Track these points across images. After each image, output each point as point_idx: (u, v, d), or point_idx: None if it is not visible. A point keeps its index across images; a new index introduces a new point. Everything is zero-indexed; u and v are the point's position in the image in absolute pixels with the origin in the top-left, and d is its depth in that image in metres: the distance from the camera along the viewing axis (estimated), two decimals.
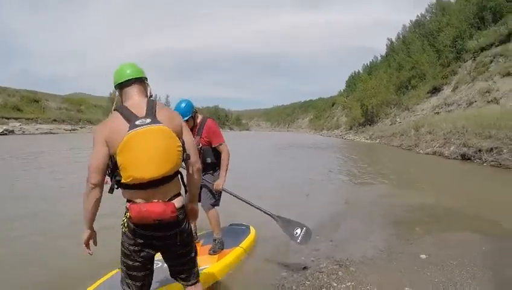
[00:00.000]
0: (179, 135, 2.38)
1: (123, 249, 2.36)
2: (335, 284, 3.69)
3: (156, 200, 2.26)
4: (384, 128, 43.32)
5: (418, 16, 66.75)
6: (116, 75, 2.53)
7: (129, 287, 2.42)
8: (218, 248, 4.32)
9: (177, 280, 2.59)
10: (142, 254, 2.33)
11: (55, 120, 61.10)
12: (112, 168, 2.28)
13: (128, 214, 2.26)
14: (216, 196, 4.38)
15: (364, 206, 7.62)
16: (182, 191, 2.49)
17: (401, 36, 71.49)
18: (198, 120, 4.42)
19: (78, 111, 75.94)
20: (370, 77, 67.46)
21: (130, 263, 2.35)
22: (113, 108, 2.48)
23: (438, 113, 35.36)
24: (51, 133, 51.20)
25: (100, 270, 3.76)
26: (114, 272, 3.67)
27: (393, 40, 75.28)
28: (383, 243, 4.99)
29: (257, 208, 4.48)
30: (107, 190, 2.33)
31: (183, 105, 4.25)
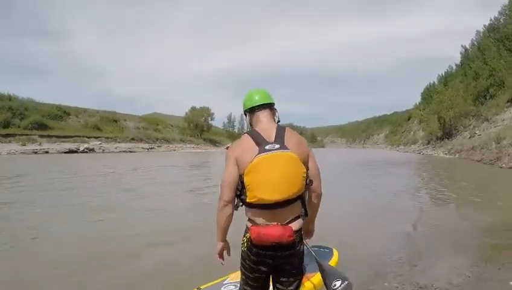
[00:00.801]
0: (305, 162, 2.47)
1: (243, 262, 2.51)
2: None
3: (275, 223, 2.35)
4: (463, 141, 41.79)
5: (491, 20, 63.50)
6: (246, 100, 2.67)
7: None
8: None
9: None
10: (258, 269, 2.47)
11: (133, 139, 64.29)
12: (240, 187, 2.40)
13: (248, 235, 2.39)
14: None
15: (446, 228, 7.27)
16: None
17: (475, 42, 68.13)
18: None
19: (155, 130, 78.74)
20: (446, 88, 65.11)
21: (250, 275, 2.52)
22: (244, 131, 2.85)
23: None
24: (130, 151, 53.11)
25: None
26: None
27: (468, 46, 72.00)
28: (469, 268, 4.71)
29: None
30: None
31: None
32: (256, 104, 2.62)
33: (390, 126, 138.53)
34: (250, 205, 2.40)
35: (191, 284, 3.94)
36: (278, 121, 2.66)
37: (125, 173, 18.92)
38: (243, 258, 2.49)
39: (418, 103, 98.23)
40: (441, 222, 7.88)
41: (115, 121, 72.02)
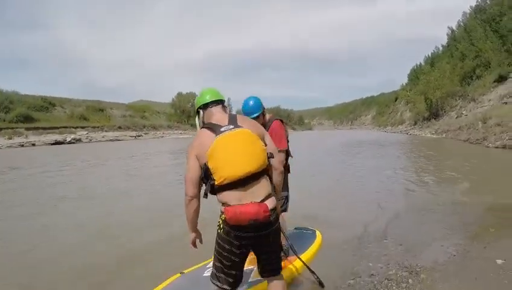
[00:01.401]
0: (262, 139, 2.67)
1: (218, 248, 2.59)
2: None
3: (249, 201, 2.44)
4: (450, 121, 42.32)
5: (478, 1, 63.88)
6: (199, 98, 2.92)
7: (220, 282, 2.66)
8: (284, 257, 3.90)
9: (263, 276, 2.83)
10: (236, 253, 2.54)
11: (120, 127, 63.74)
12: (205, 175, 2.52)
13: (223, 216, 2.47)
14: (283, 201, 4.10)
15: (434, 207, 7.26)
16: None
17: (462, 24, 68.58)
18: (266, 119, 4.24)
19: (142, 118, 78.12)
20: (433, 68, 65.54)
21: (225, 261, 2.58)
22: (199, 127, 2.85)
23: (506, 103, 34.04)
24: (117, 140, 52.84)
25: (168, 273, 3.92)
26: (174, 277, 3.82)
27: (454, 28, 72.28)
28: (455, 247, 4.70)
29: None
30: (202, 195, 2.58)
31: (251, 102, 4.10)
32: (210, 101, 2.87)
33: (377, 107, 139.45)
34: (220, 188, 2.48)
35: (175, 269, 4.01)
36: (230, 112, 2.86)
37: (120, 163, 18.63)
38: (219, 245, 2.58)
39: (404, 84, 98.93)
40: (426, 201, 7.88)
41: (101, 110, 71.02)
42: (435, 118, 52.67)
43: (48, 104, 61.86)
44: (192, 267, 4.06)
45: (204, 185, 2.59)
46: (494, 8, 53.91)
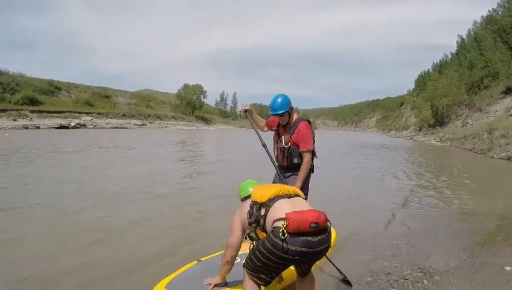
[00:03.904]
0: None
1: (267, 253, 2.61)
2: None
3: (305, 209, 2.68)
4: (455, 130, 42.02)
5: (489, 11, 63.97)
6: (240, 192, 3.49)
7: (261, 281, 2.76)
8: None
9: (300, 276, 2.99)
10: (287, 258, 2.57)
11: (124, 115, 63.41)
12: (250, 214, 2.98)
13: (285, 223, 2.52)
14: None
15: (442, 212, 7.50)
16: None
17: (472, 33, 68.44)
18: (294, 119, 4.36)
19: (147, 106, 78.10)
20: (440, 75, 65.27)
21: (271, 264, 2.64)
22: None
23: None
24: (122, 127, 52.91)
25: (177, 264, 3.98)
26: (191, 264, 3.88)
27: (464, 36, 72.13)
28: (465, 252, 4.84)
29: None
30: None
31: (279, 100, 4.25)
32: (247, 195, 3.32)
33: (383, 111, 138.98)
34: (268, 209, 2.83)
35: (193, 256, 4.16)
36: None
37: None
38: (269, 250, 2.60)
39: (411, 89, 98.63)
40: (436, 206, 8.07)
41: (107, 97, 71.16)
42: (440, 126, 52.51)
43: (53, 88, 61.83)
44: (209, 256, 4.12)
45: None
46: (506, 20, 53.72)
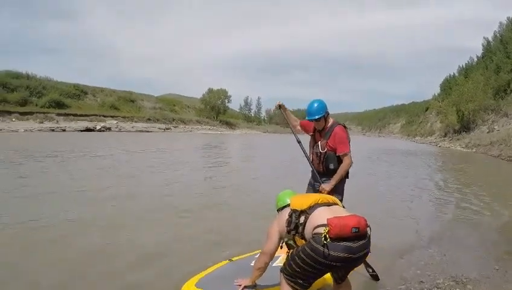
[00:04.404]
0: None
1: (306, 259, 2.68)
2: None
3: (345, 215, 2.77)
4: (481, 136, 41.23)
5: None
6: (277, 202, 3.52)
7: (298, 286, 2.83)
8: None
9: (336, 281, 3.12)
10: (329, 265, 2.66)
11: (149, 119, 64.70)
12: (289, 222, 3.03)
13: (326, 228, 2.58)
14: None
15: (475, 221, 7.45)
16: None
17: (498, 35, 66.38)
18: (329, 123, 4.38)
19: (171, 111, 79.46)
20: (466, 80, 63.99)
21: (310, 270, 2.72)
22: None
23: None
24: (146, 131, 53.99)
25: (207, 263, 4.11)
26: (222, 263, 3.98)
27: (490, 39, 70.06)
28: (496, 262, 4.84)
29: None
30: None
31: (315, 105, 4.26)
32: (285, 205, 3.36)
33: (407, 116, 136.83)
34: (307, 215, 2.93)
35: (223, 256, 4.38)
36: None
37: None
38: (308, 256, 2.67)
39: (436, 94, 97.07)
40: (468, 215, 8.04)
41: (132, 101, 72.48)
42: (465, 131, 51.51)
43: (80, 91, 63.28)
44: (240, 256, 4.22)
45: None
46: None
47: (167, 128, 62.34)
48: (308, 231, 2.83)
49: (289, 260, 2.87)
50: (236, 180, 11.74)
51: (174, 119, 71.20)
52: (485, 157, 27.73)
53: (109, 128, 50.16)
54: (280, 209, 3.40)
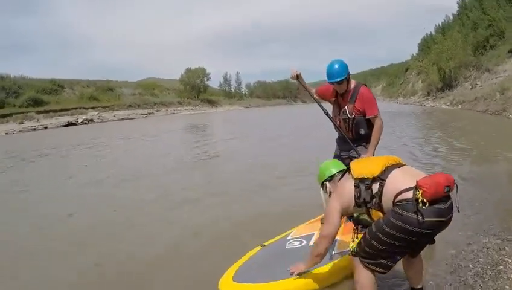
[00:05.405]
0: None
1: (395, 232, 2.37)
2: (509, 260, 3.62)
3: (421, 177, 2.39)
4: (465, 92, 41.60)
5: None
6: (325, 171, 3.15)
7: (381, 268, 2.53)
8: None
9: (412, 256, 2.83)
10: (423, 234, 2.37)
11: (130, 106, 63.62)
12: (359, 194, 2.65)
13: (419, 192, 2.26)
14: None
15: (487, 177, 7.33)
16: None
17: None
18: (352, 85, 4.12)
19: (151, 95, 77.94)
20: (445, 38, 63.73)
21: (400, 244, 2.40)
22: (327, 197, 3.04)
23: None
24: (129, 118, 53.26)
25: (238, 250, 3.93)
26: (255, 250, 3.78)
27: None
28: None
29: None
30: None
31: (336, 66, 3.96)
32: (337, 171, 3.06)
33: (387, 78, 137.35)
34: (381, 181, 2.56)
35: (255, 241, 4.07)
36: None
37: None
38: (402, 223, 2.35)
39: (415, 54, 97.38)
40: (480, 172, 7.93)
41: (111, 89, 70.99)
42: (448, 89, 51.77)
43: (57, 86, 61.78)
44: (272, 239, 4.00)
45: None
46: None
47: (150, 113, 61.44)
48: (387, 200, 2.49)
49: (369, 239, 2.52)
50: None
51: (155, 104, 70.19)
52: (472, 113, 27.89)
53: (91, 120, 49.21)
54: (327, 182, 3.06)
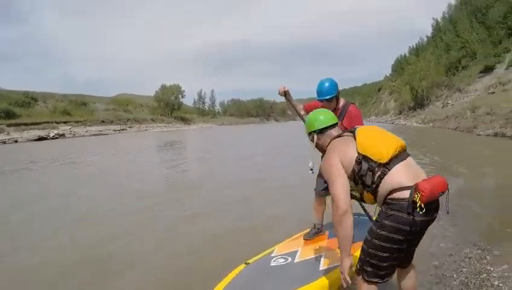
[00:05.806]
0: None
1: (394, 235, 2.25)
2: (491, 268, 3.68)
3: (422, 178, 2.28)
4: (436, 111, 42.79)
5: None
6: (315, 121, 2.83)
7: (381, 279, 2.38)
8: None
9: (402, 267, 2.63)
10: (415, 232, 2.30)
11: (103, 121, 62.69)
12: (359, 170, 2.38)
13: (418, 195, 2.16)
14: None
15: (463, 191, 7.29)
16: None
17: (447, 15, 68.85)
18: (341, 104, 4.12)
19: (125, 111, 77.31)
20: (418, 59, 65.85)
21: (398, 247, 2.29)
22: (313, 148, 2.85)
23: (493, 92, 34.47)
24: (101, 134, 52.45)
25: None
26: (239, 269, 3.51)
27: (439, 19, 72.56)
28: (503, 225, 5.02)
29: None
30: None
31: (326, 84, 3.98)
32: (329, 124, 2.80)
33: (360, 97, 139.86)
34: (385, 170, 2.31)
35: (239, 259, 3.75)
36: None
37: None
38: (392, 231, 2.23)
39: (388, 74, 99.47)
40: (460, 182, 8.06)
41: (84, 104, 69.99)
42: (420, 108, 53.19)
43: (30, 99, 60.61)
44: (256, 257, 3.77)
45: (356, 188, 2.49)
46: (481, 0, 53.74)
47: (122, 130, 60.91)
48: (383, 190, 2.31)
49: (369, 251, 2.34)
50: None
51: (128, 120, 69.44)
52: (444, 131, 28.38)
53: (63, 135, 48.34)
54: (315, 133, 2.82)
